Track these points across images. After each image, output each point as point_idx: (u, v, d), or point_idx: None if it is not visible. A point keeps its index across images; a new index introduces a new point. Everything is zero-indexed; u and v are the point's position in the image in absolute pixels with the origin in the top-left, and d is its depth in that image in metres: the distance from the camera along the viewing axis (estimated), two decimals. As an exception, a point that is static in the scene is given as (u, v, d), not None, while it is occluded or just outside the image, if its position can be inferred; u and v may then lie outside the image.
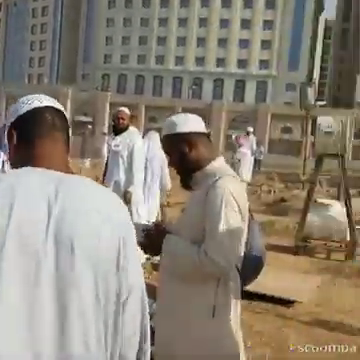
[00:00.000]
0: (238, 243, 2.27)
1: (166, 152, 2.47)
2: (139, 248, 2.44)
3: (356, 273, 6.80)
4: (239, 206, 2.24)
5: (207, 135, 2.43)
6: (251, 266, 2.42)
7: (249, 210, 2.39)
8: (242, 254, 2.34)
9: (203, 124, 2.43)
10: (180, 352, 2.29)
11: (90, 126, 39.49)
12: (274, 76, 79.19)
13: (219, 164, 2.38)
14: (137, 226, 1.77)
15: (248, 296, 5.24)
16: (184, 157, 2.34)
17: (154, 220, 6.38)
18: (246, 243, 2.37)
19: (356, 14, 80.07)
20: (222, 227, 2.17)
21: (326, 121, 7.59)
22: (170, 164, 2.48)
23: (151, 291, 4.43)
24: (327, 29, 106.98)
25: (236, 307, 2.35)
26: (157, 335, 2.39)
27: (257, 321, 4.84)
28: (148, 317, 1.50)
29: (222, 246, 2.17)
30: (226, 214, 2.18)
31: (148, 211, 6.75)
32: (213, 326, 2.25)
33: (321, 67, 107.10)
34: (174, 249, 2.31)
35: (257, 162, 22.49)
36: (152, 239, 2.39)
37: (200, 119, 2.45)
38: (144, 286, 1.48)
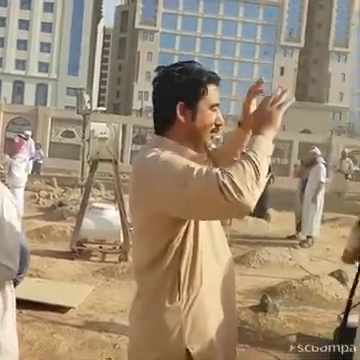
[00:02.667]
0: (18, 243, 2.31)
1: None
2: None
3: (129, 273, 7.09)
4: (15, 206, 2.33)
5: None
6: (21, 263, 2.45)
7: None
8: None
9: None
10: None
11: None
12: (54, 79, 78.40)
13: None
14: None
15: (19, 305, 5.08)
16: None
17: None
18: None
19: (132, 25, 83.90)
20: (7, 231, 2.21)
21: (99, 127, 7.80)
22: None
23: None
24: (106, 37, 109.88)
25: (13, 308, 2.36)
26: None
27: (28, 330, 4.72)
28: None
29: (9, 249, 2.22)
30: (9, 217, 2.23)
31: None
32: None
33: (102, 74, 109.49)
34: None
35: (36, 166, 21.92)
36: None
37: None
38: None
